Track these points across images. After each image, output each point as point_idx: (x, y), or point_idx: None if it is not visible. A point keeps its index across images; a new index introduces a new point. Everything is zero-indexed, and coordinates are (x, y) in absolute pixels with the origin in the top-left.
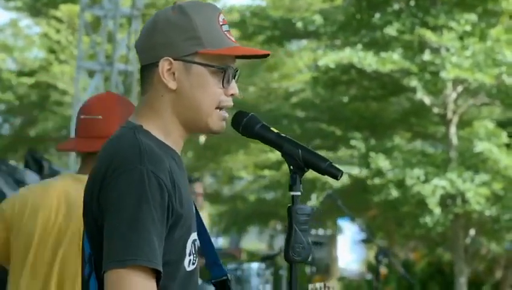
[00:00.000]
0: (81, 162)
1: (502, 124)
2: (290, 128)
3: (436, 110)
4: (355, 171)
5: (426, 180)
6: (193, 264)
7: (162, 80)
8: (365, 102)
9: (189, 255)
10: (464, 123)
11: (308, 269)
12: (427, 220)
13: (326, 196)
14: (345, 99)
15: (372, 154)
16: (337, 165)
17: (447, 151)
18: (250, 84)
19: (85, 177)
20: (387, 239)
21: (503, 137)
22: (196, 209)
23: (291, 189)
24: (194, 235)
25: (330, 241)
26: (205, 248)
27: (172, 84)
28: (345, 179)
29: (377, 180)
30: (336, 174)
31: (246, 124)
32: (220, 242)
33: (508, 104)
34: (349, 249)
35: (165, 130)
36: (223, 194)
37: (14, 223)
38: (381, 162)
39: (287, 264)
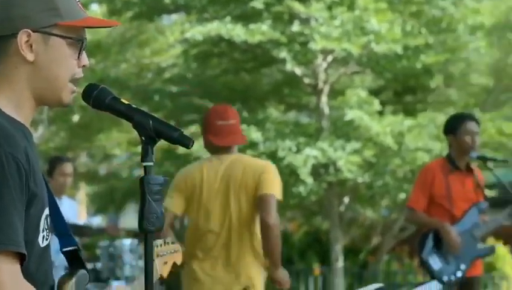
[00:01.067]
0: None
1: (373, 92)
2: (162, 104)
3: (307, 80)
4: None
5: (298, 151)
6: (46, 239)
7: (19, 52)
8: (237, 75)
9: (43, 231)
10: (336, 92)
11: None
12: (301, 189)
13: None
14: (217, 72)
15: (244, 126)
16: (188, 135)
17: (319, 121)
18: (121, 61)
19: None
20: None
21: (376, 104)
22: (46, 182)
23: (143, 159)
24: (46, 211)
25: None
26: (55, 220)
27: (30, 56)
28: None
29: (249, 153)
30: (186, 144)
31: (97, 97)
32: (97, 221)
33: (378, 72)
34: None
35: (17, 103)
36: (99, 173)
37: None
38: (254, 134)
39: None
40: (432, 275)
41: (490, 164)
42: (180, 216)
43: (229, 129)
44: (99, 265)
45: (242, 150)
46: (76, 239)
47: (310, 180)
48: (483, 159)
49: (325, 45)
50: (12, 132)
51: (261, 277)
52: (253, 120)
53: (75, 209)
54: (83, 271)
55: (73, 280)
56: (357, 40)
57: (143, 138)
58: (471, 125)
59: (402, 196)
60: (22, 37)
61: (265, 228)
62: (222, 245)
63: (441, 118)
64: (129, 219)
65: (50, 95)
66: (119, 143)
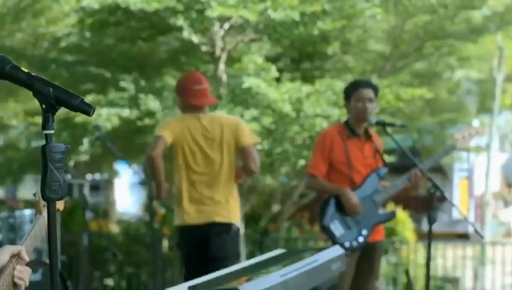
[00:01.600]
0: None
1: (271, 59)
2: (58, 73)
3: (204, 48)
4: (126, 113)
5: None
6: None
7: None
8: (134, 43)
9: None
10: (233, 60)
11: (87, 214)
12: None
13: (96, 138)
14: (113, 41)
15: (142, 95)
16: (88, 102)
17: (217, 89)
18: (16, 31)
19: None
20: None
21: (273, 71)
22: None
23: (44, 127)
24: None
25: (107, 186)
26: None
27: None
28: (115, 121)
29: (147, 121)
30: (87, 111)
31: None
32: None
33: (275, 39)
34: (127, 193)
35: None
36: None
37: None
38: (151, 102)
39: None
40: (334, 241)
41: (389, 129)
42: (167, 147)
43: (205, 92)
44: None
45: (140, 118)
46: None
47: None
48: (382, 125)
49: (222, 12)
50: None
51: (239, 214)
52: (151, 89)
53: None
54: None
55: None
56: (254, 7)
57: (43, 106)
58: (364, 92)
59: (301, 162)
60: None
61: (250, 173)
62: (206, 185)
63: (339, 85)
64: (28, 189)
65: None
66: (15, 113)
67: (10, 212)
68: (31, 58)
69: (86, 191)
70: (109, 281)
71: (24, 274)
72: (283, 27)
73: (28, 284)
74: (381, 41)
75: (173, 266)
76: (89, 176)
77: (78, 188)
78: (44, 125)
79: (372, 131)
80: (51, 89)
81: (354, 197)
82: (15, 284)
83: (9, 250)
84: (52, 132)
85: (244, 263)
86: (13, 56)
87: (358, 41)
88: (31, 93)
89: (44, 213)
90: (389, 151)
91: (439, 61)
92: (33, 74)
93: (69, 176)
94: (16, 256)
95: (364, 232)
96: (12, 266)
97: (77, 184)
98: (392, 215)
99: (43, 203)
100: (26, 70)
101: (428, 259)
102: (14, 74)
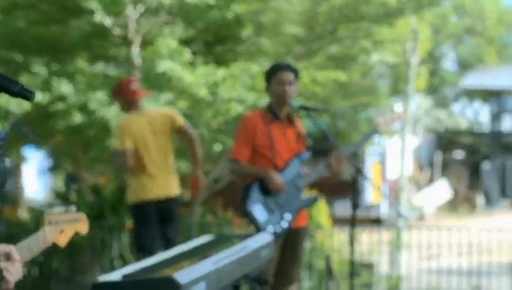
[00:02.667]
0: None
1: (184, 43)
2: None
3: (117, 31)
4: (38, 97)
5: (110, 103)
6: None
7: None
8: (46, 26)
9: None
10: (147, 43)
11: None
12: (112, 143)
13: (13, 124)
14: (25, 24)
15: (54, 79)
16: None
17: (130, 73)
18: None
19: None
20: (75, 165)
21: (187, 55)
22: None
23: None
24: None
25: (15, 171)
26: None
27: None
28: (27, 106)
29: (59, 106)
30: (28, 96)
31: None
32: None
33: (189, 21)
34: (35, 178)
35: None
36: None
37: None
38: (64, 86)
39: None
40: (257, 227)
41: (312, 113)
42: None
43: (139, 88)
44: None
45: (52, 102)
46: None
47: None
48: (305, 109)
49: None
50: None
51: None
52: (63, 72)
53: None
54: None
55: None
56: None
57: None
58: (283, 75)
59: (217, 147)
60: None
61: (192, 141)
62: (156, 166)
63: (255, 68)
64: None
65: None
66: None
67: None
68: None
69: None
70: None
71: (11, 269)
72: (198, 10)
73: (15, 280)
74: (296, 24)
75: (84, 253)
76: None
77: None
78: None
79: (295, 115)
80: None
81: (277, 176)
82: (2, 278)
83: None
84: None
85: (176, 250)
86: None
87: (272, 24)
88: None
89: (47, 228)
90: (311, 135)
91: (354, 44)
92: None
93: None
94: (6, 255)
95: (287, 216)
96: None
97: None
98: (314, 200)
99: (49, 219)
100: None
101: (352, 244)
102: None
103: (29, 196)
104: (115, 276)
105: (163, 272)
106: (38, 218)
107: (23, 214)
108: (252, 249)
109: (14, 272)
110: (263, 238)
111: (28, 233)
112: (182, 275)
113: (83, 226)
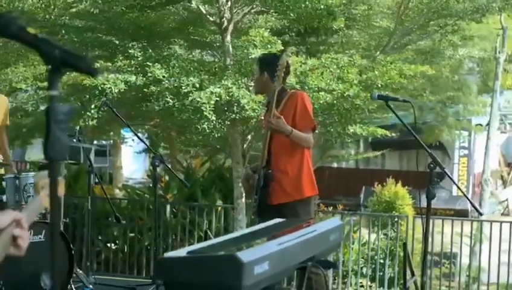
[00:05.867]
0: None
1: (276, 33)
2: (68, 38)
3: (212, 18)
4: (134, 80)
5: (201, 88)
6: None
7: None
8: (143, 12)
9: None
10: (240, 32)
11: (92, 179)
12: (205, 126)
13: (102, 103)
14: (123, 9)
15: (149, 63)
16: (94, 65)
17: (224, 59)
18: None
19: None
20: (170, 147)
21: (278, 45)
22: None
23: (49, 89)
24: None
25: (114, 151)
26: None
27: None
28: (122, 86)
29: (154, 89)
30: (93, 73)
31: (3, 25)
32: None
33: (282, 12)
34: (132, 159)
35: None
36: None
37: None
38: (158, 70)
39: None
40: None
41: (391, 104)
42: None
43: None
44: (4, 197)
45: (147, 85)
46: None
47: (213, 117)
48: (384, 99)
49: None
50: None
51: None
52: (158, 57)
53: None
54: None
55: None
56: None
57: (49, 67)
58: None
59: None
60: None
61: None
62: None
63: (344, 59)
64: (36, 153)
65: None
66: (24, 78)
67: (16, 173)
68: (42, 23)
69: (92, 156)
70: (112, 245)
71: (23, 235)
72: (290, 0)
73: (26, 245)
74: (386, 17)
75: (175, 231)
76: (95, 141)
77: (84, 152)
78: (50, 87)
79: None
80: (57, 51)
81: None
82: (15, 244)
83: (12, 214)
84: (57, 93)
85: (245, 230)
86: (24, 20)
87: (363, 17)
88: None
89: (42, 193)
90: (390, 127)
91: (443, 39)
92: (40, 35)
93: (75, 140)
94: (17, 222)
95: None
96: (11, 228)
97: (83, 149)
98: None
99: (41, 184)
100: (32, 32)
101: (426, 234)
102: (20, 34)
103: (127, 175)
104: (180, 252)
105: (228, 250)
106: (129, 194)
107: (119, 193)
108: (319, 232)
109: (27, 239)
110: (332, 222)
111: (120, 210)
112: (246, 254)
113: (61, 188)
